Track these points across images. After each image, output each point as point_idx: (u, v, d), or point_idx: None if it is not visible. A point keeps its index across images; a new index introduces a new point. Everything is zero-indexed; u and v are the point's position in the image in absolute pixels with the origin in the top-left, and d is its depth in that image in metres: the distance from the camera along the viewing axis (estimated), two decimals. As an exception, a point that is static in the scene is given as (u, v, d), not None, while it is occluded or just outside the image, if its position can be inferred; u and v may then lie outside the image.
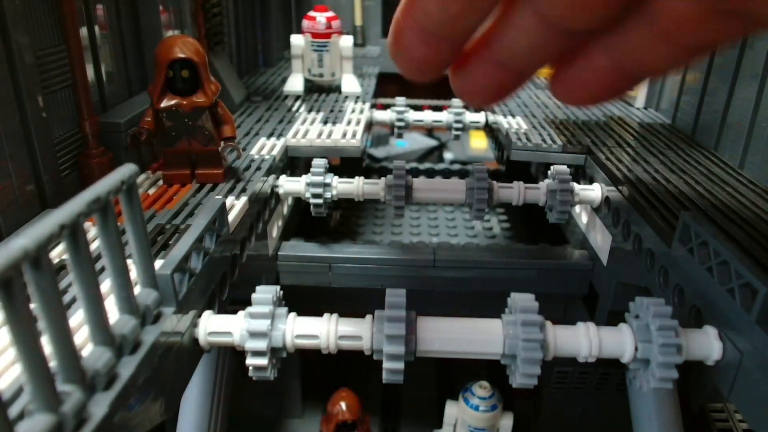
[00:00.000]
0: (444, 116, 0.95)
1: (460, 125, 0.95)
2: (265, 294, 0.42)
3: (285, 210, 0.75)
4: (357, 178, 0.69)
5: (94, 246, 0.40)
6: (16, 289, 0.22)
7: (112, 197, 0.29)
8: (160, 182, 0.60)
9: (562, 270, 0.71)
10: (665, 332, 0.39)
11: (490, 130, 0.99)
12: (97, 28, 0.66)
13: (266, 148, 0.72)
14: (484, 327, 0.41)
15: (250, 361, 0.40)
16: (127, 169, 0.31)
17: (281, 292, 0.43)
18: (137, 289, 0.35)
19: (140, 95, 0.74)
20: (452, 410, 0.71)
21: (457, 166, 1.27)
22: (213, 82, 0.57)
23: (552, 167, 0.67)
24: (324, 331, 0.41)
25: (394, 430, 0.91)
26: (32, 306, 0.24)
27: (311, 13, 0.97)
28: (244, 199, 0.56)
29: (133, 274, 0.34)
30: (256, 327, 0.40)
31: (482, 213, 0.67)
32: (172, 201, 0.56)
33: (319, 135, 0.76)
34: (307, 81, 0.99)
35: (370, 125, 0.93)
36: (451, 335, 0.41)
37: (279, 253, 0.72)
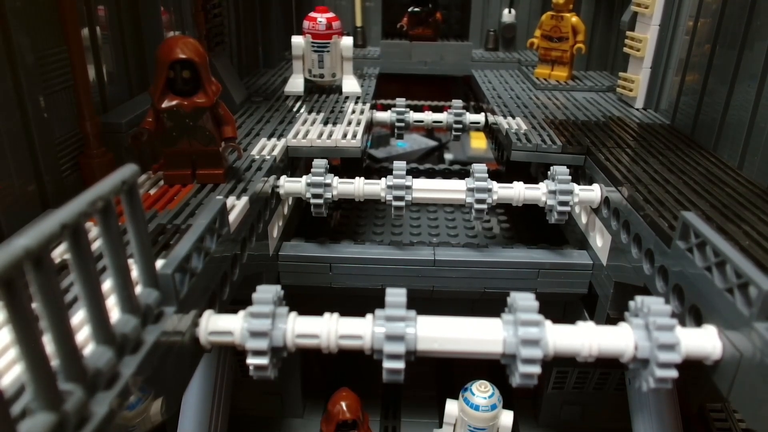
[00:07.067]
0: (444, 117, 0.95)
1: (460, 126, 0.95)
2: (265, 294, 0.42)
3: (285, 210, 0.75)
4: (357, 178, 0.69)
5: (96, 246, 0.40)
6: (18, 289, 0.22)
7: (114, 197, 0.30)
8: (161, 182, 0.60)
9: (561, 270, 0.72)
10: (664, 332, 0.40)
11: (489, 130, 0.99)
12: (98, 28, 0.66)
13: (267, 148, 0.72)
14: (484, 327, 0.42)
15: (251, 360, 0.40)
16: (128, 170, 0.31)
17: (282, 291, 0.43)
18: (138, 289, 0.35)
19: (141, 96, 0.75)
20: (453, 409, 0.71)
21: (457, 167, 1.27)
22: (214, 82, 0.57)
23: (551, 168, 0.67)
24: (324, 330, 0.41)
25: (394, 429, 0.91)
26: (34, 305, 0.24)
27: (312, 14, 0.97)
28: (244, 199, 0.56)
29: (135, 273, 0.35)
30: (256, 326, 0.40)
31: (482, 213, 0.67)
32: (173, 201, 0.56)
33: (320, 135, 0.77)
34: (307, 81, 1.00)
35: (370, 126, 0.93)
36: (451, 335, 0.41)
37: (279, 253, 0.72)
